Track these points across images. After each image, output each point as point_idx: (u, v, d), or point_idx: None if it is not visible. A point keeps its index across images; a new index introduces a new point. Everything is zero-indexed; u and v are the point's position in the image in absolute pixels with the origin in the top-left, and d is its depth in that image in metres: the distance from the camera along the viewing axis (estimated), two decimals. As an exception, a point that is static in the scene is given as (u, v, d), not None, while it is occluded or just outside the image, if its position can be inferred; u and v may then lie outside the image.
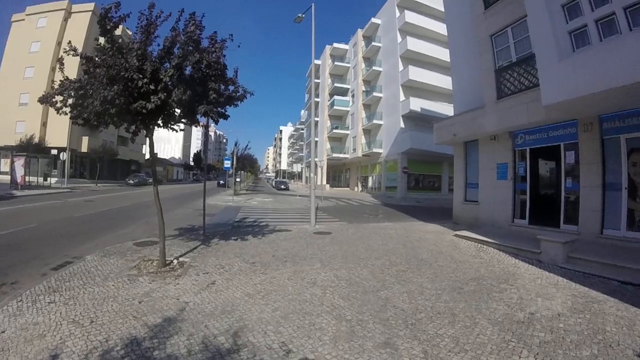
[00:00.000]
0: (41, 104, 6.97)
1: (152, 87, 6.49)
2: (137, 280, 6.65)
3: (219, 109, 7.83)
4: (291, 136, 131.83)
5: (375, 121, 46.58)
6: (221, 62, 7.45)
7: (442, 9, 20.39)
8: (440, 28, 42.53)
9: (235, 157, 32.94)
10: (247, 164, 47.36)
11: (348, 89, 58.78)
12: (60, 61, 6.94)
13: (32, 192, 27.00)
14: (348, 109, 57.37)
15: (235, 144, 39.79)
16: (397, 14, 43.27)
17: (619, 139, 10.01)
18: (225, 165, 30.41)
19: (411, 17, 41.76)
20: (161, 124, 7.75)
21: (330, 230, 13.53)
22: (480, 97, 14.41)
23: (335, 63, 60.67)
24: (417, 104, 38.88)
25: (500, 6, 13.10)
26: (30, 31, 46.80)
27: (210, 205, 23.92)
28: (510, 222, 13.36)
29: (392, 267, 8.09)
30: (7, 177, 31.29)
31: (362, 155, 49.28)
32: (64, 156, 35.66)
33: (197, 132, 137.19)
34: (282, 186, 58.49)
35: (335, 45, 62.54)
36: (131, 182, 48.59)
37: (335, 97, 58.21)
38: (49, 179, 35.48)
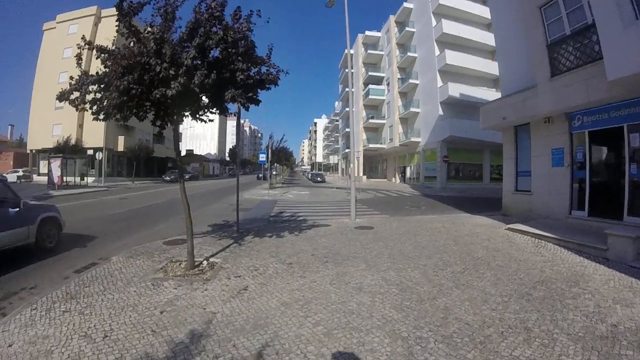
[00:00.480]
0: (59, 101, 6.47)
1: (172, 72, 5.87)
2: (162, 285, 6.11)
3: (249, 93, 7.13)
4: (326, 128, 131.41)
5: (412, 109, 45.24)
6: (248, 38, 6.72)
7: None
8: (477, 9, 41.29)
9: (270, 151, 32.50)
10: (282, 157, 46.93)
11: (382, 77, 57.40)
12: (78, 56, 6.46)
13: (69, 191, 27.62)
14: (383, 97, 56.03)
15: (270, 137, 39.43)
16: (430, -4, 41.62)
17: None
18: (261, 159, 30.24)
19: (445, -2, 40.18)
20: (186, 114, 7.13)
21: (372, 224, 12.73)
22: (531, 76, 13.18)
23: (369, 51, 59.41)
24: (455, 90, 37.40)
25: (550, -27, 11.87)
26: (61, 38, 47.63)
27: (246, 199, 23.69)
28: (568, 214, 12.14)
29: (447, 267, 7.23)
30: (46, 178, 32.27)
31: (400, 144, 48.09)
32: (99, 156, 36.29)
33: (232, 128, 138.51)
34: (319, 178, 58.23)
35: (368, 33, 61.22)
36: (167, 178, 49.51)
37: (370, 86, 56.94)
38: (85, 178, 36.34)
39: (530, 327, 4.56)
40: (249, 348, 4.00)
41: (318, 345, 4.06)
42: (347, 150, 59.47)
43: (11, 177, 38.11)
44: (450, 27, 39.49)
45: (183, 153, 79.73)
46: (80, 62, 6.53)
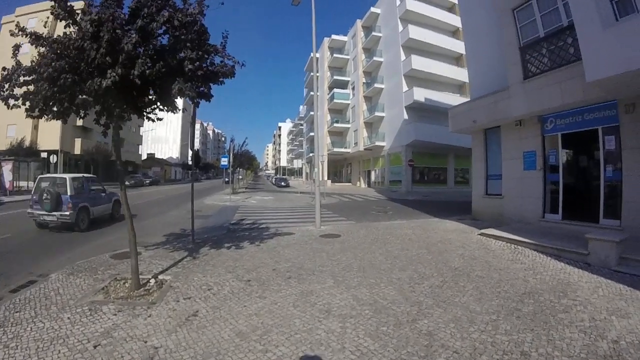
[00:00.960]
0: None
1: (108, 59, 4.94)
2: (100, 311, 5.12)
3: (200, 88, 6.23)
4: (290, 132, 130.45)
5: (377, 113, 45.10)
6: (199, 22, 5.79)
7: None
8: (443, 16, 41.89)
9: (231, 155, 31.44)
10: (245, 161, 45.72)
11: (348, 81, 57.24)
12: (15, 47, 5.46)
13: (21, 197, 25.36)
14: (348, 102, 55.82)
15: (232, 140, 38.28)
16: (398, 2, 41.85)
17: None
18: (223, 163, 29.19)
19: (412, 4, 40.45)
20: (128, 109, 6.16)
21: (338, 231, 11.96)
22: (501, 78, 12.91)
23: (334, 55, 59.11)
24: (421, 94, 37.42)
25: (523, -26, 11.59)
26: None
27: (207, 205, 22.69)
28: (541, 217, 11.86)
29: (423, 281, 6.51)
30: (-2, 183, 29.84)
31: (364, 149, 47.84)
32: (54, 159, 34.07)
33: (195, 131, 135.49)
34: (283, 183, 57.54)
35: (334, 37, 60.88)
36: (127, 183, 47.15)
37: (335, 90, 56.55)
38: (40, 183, 33.73)
39: (527, 351, 3.94)
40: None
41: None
42: (311, 155, 58.86)
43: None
44: (417, 33, 39.60)
45: (144, 157, 77.53)
46: (16, 52, 5.50)
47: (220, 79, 6.46)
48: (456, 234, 11.28)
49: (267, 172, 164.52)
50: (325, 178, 47.46)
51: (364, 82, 50.28)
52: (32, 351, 3.93)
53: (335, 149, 55.23)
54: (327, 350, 3.97)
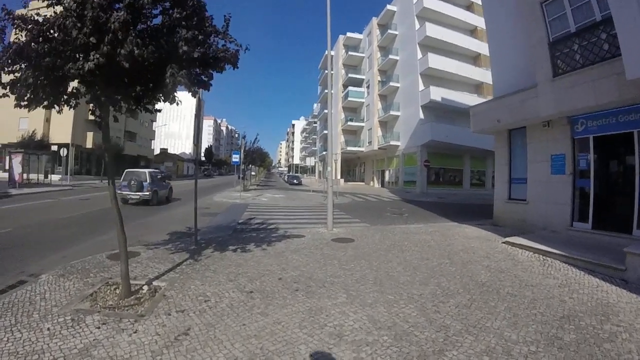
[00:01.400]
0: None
1: (92, 39, 4.30)
2: (83, 322, 4.52)
3: (199, 75, 5.54)
4: (304, 130, 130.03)
5: (392, 112, 44.18)
6: None
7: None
8: (461, 14, 40.97)
9: (242, 151, 30.87)
10: (257, 158, 45.13)
11: (363, 79, 56.34)
12: (1, 31, 4.87)
13: (30, 190, 25.26)
14: (363, 100, 54.99)
15: (243, 137, 37.67)
16: None
17: None
18: (234, 160, 28.67)
19: (430, 2, 39.64)
20: (120, 98, 5.50)
21: (351, 235, 11.23)
22: (527, 76, 12.09)
23: (349, 53, 58.23)
24: (437, 94, 36.54)
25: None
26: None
27: (215, 203, 22.15)
28: (568, 226, 11.00)
29: (448, 299, 5.75)
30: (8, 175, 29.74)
31: (378, 148, 46.94)
32: (64, 152, 33.89)
33: (208, 127, 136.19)
34: (295, 181, 57.12)
35: (349, 34, 60.14)
36: (137, 178, 46.97)
37: (350, 88, 55.69)
38: (50, 176, 34.08)
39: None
40: None
41: None
42: (324, 153, 58.21)
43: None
44: (434, 31, 38.72)
45: (157, 152, 77.46)
46: (2, 36, 4.91)
47: (222, 65, 5.74)
48: (479, 242, 10.47)
49: (279, 169, 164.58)
50: (338, 177, 46.78)
51: (379, 81, 49.34)
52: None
53: (349, 148, 54.45)
54: (338, 391, 3.26)
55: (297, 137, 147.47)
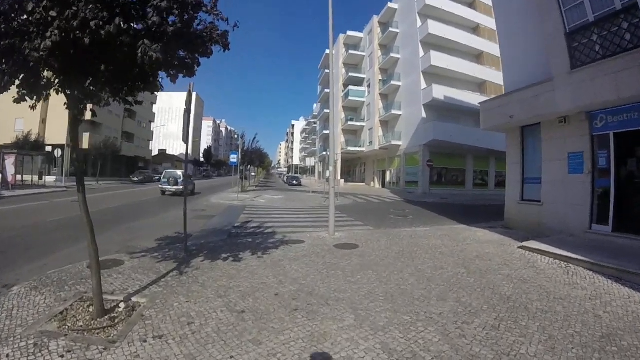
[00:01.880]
0: None
1: (52, 13, 3.55)
2: (47, 348, 3.81)
3: (185, 60, 4.72)
4: (303, 130, 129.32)
5: (393, 111, 43.39)
6: None
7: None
8: (463, 11, 40.31)
9: (241, 151, 30.13)
10: (255, 158, 44.24)
11: (363, 78, 55.54)
12: None
13: (23, 192, 24.60)
14: (363, 99, 54.19)
15: (242, 137, 36.83)
16: (416, -4, 40.06)
17: None
18: (232, 160, 28.05)
19: (432, -1, 38.70)
20: (89, 87, 4.70)
21: (355, 240, 10.41)
22: (541, 69, 11.35)
23: (350, 52, 57.44)
24: (440, 92, 35.64)
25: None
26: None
27: (212, 204, 21.40)
28: (587, 229, 10.24)
29: (473, 318, 4.94)
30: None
31: (380, 148, 46.13)
32: (58, 153, 33.10)
33: (207, 128, 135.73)
34: (294, 182, 56.52)
35: (350, 33, 59.26)
36: (135, 179, 46.53)
37: (350, 87, 54.86)
38: (44, 177, 33.37)
39: None
40: None
41: None
42: (324, 153, 57.55)
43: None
44: (436, 28, 37.95)
45: (155, 153, 76.76)
46: None
47: (208, 46, 4.90)
48: (493, 247, 9.66)
49: (279, 170, 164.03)
50: (339, 177, 46.00)
51: (380, 80, 48.53)
52: None
53: (349, 148, 53.66)
54: None
55: (297, 137, 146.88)
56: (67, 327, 4.44)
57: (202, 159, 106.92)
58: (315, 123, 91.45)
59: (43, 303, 5.14)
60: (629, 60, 8.42)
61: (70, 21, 3.54)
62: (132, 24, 4.05)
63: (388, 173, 47.48)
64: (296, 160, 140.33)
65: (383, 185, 48.14)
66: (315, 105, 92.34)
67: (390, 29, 45.68)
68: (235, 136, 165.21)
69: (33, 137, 39.46)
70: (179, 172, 26.55)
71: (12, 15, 3.85)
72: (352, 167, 62.99)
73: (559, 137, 11.25)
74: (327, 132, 60.00)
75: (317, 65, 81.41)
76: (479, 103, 15.56)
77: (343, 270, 7.23)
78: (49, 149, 34.95)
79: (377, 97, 48.52)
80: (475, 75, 39.31)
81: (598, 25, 9.54)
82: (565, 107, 10.36)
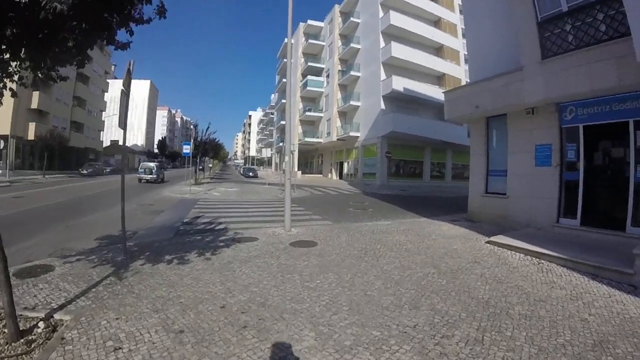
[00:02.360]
0: None
1: None
2: None
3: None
4: (260, 121, 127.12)
5: (352, 102, 42.83)
6: None
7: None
8: (425, 4, 40.51)
9: (194, 142, 28.76)
10: (209, 149, 42.57)
11: (322, 68, 54.67)
12: None
13: None
14: (322, 90, 53.30)
15: (195, 126, 35.25)
16: (380, -13, 39.55)
17: None
18: (185, 151, 26.74)
19: (395, -10, 38.35)
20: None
21: (313, 237, 9.57)
22: (509, 58, 10.98)
23: (310, 41, 56.31)
24: (400, 84, 35.32)
25: None
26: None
27: (163, 198, 20.02)
28: (555, 222, 9.97)
29: (452, 329, 4.24)
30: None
31: (337, 139, 45.56)
32: (1, 145, 30.16)
33: (162, 118, 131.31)
34: (251, 173, 55.31)
35: (310, 22, 58.01)
36: (84, 172, 43.43)
37: (309, 77, 53.79)
38: (-18, 171, 30.51)
39: None
40: None
41: None
42: (281, 144, 56.52)
43: None
44: (398, 20, 37.52)
45: (107, 144, 72.81)
46: None
47: (136, 8, 3.91)
48: (460, 243, 9.10)
49: (236, 161, 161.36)
50: (296, 169, 45.12)
51: (339, 70, 47.75)
52: None
53: (307, 139, 52.70)
54: None
55: (254, 128, 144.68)
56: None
57: (156, 150, 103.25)
58: (272, 114, 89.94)
59: None
60: (604, 51, 8.18)
61: None
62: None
63: (346, 164, 47.00)
64: (253, 152, 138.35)
65: (340, 177, 47.60)
66: (272, 96, 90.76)
67: (352, 19, 44.95)
68: (192, 127, 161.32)
69: (-28, 128, 35.94)
70: (152, 164, 33.62)
71: None
72: (309, 159, 62.19)
73: (527, 128, 10.87)
74: (284, 122, 58.92)
75: (276, 54, 79.89)
76: (443, 92, 15.08)
77: (300, 273, 6.36)
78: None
79: (336, 88, 47.78)
80: (435, 67, 39.34)
81: (572, 15, 9.26)
82: (535, 97, 9.96)
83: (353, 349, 3.76)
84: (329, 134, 49.19)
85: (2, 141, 30.51)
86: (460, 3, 36.27)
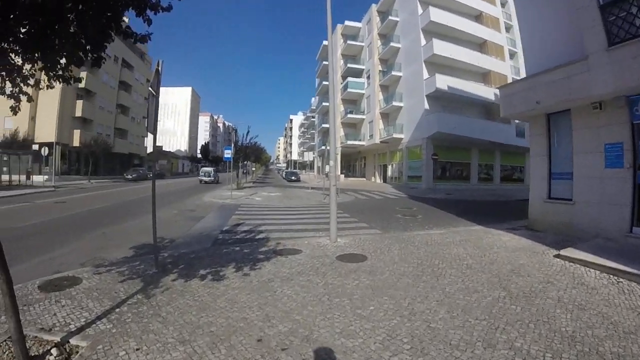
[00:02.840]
0: None
1: None
2: None
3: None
4: (302, 125, 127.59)
5: (394, 103, 41.76)
6: None
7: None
8: None
9: (234, 146, 28.66)
10: (251, 153, 42.60)
11: (362, 69, 53.82)
12: None
13: (8, 193, 22.91)
14: (363, 91, 52.43)
15: (235, 131, 35.26)
16: (416, -17, 38.36)
17: None
18: (226, 156, 26.64)
19: (432, -15, 37.10)
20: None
21: (362, 249, 8.81)
22: (572, 47, 9.81)
23: (348, 42, 55.61)
24: (443, 82, 33.99)
25: None
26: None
27: (204, 204, 19.94)
28: (627, 232, 8.73)
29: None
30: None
31: (380, 141, 44.50)
32: (45, 151, 31.36)
33: (204, 124, 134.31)
34: (293, 177, 55.22)
35: (347, 23, 57.26)
36: (129, 177, 44.78)
37: (349, 79, 52.95)
38: (32, 177, 32.36)
39: None
40: None
41: None
42: (323, 147, 55.95)
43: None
44: (438, 16, 36.27)
45: (150, 149, 74.73)
46: None
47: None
48: (526, 257, 8.07)
49: (278, 165, 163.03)
50: (338, 172, 44.46)
51: (379, 70, 46.72)
52: None
53: (349, 142, 51.92)
54: None
55: (295, 132, 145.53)
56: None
57: (199, 155, 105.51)
58: (313, 117, 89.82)
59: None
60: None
61: None
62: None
63: (389, 167, 45.87)
64: (295, 156, 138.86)
65: (384, 180, 46.52)
66: (313, 99, 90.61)
67: (390, 17, 43.93)
68: (231, 131, 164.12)
69: (21, 136, 37.77)
70: (211, 169, 44.02)
71: None
72: (351, 162, 61.41)
73: (594, 126, 9.69)
74: (326, 125, 58.42)
75: (314, 57, 79.64)
76: (498, 87, 13.96)
77: (350, 296, 5.57)
78: (35, 147, 33.26)
79: (377, 89, 46.79)
80: (479, 64, 37.68)
81: (637, -4, 8.08)
82: (604, 89, 8.77)
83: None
84: (371, 136, 48.23)
85: (46, 148, 31.75)
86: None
